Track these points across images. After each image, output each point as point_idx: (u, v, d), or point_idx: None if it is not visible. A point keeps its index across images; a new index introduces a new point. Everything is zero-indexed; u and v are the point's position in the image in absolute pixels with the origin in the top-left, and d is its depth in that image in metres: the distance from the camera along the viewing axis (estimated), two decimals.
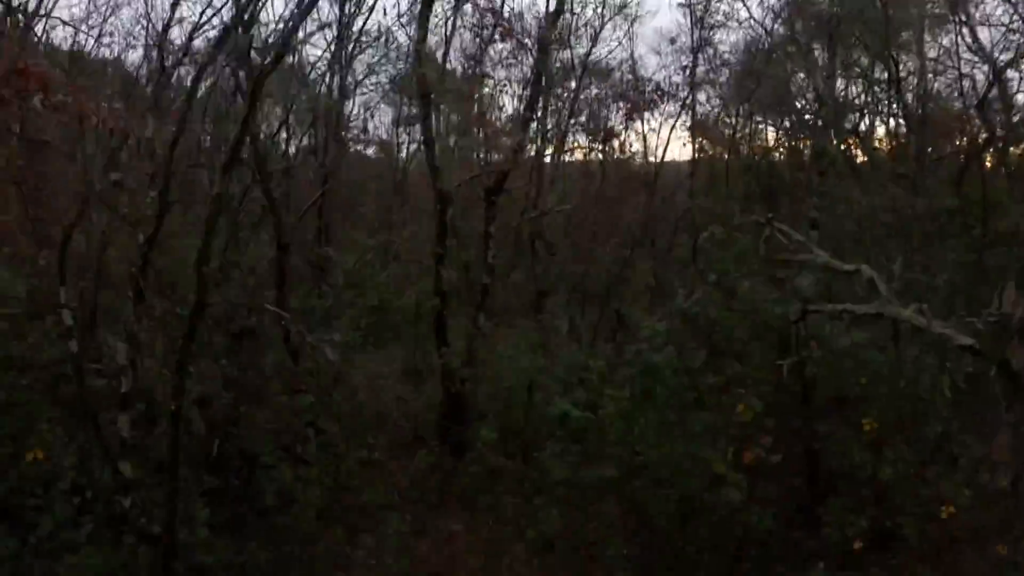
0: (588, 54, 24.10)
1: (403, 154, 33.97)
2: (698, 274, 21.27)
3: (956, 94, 23.51)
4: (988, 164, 22.38)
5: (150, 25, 19.08)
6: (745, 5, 23.98)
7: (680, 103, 24.93)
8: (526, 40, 24.34)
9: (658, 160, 26.68)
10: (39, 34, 19.51)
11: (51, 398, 12.97)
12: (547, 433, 14.50)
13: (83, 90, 12.43)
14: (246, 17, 11.98)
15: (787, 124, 27.12)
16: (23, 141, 12.72)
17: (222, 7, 15.61)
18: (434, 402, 18.31)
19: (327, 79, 24.21)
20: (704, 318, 13.41)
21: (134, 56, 22.97)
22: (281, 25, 12.78)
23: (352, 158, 30.90)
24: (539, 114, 21.73)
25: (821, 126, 19.74)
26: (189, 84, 12.36)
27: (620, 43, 25.22)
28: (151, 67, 18.47)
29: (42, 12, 18.51)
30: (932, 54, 23.38)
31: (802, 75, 25.26)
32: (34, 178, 13.49)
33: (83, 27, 19.63)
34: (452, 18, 24.30)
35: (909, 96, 22.68)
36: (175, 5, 16.37)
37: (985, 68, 20.48)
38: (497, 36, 21.59)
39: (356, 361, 17.95)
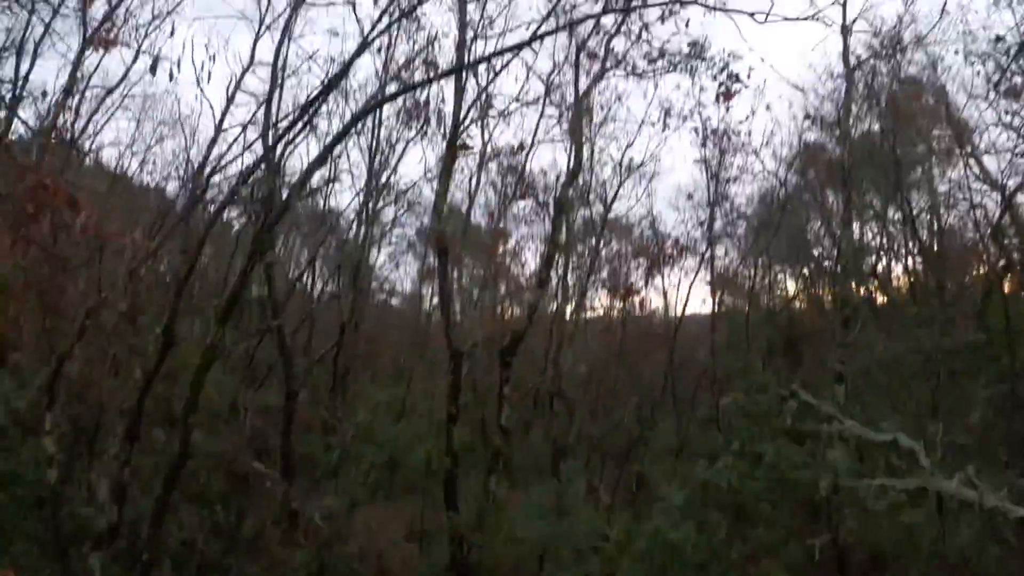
0: (607, 211, 24.07)
1: (426, 306, 33.89)
2: (722, 439, 20.17)
3: (970, 224, 23.29)
4: (1007, 290, 21.59)
5: (188, 160, 19.56)
6: (758, 158, 23.88)
7: (699, 257, 24.55)
8: (547, 200, 24.61)
9: (678, 316, 25.97)
10: (86, 152, 20.14)
11: (35, 515, 11.87)
12: None
13: (110, 212, 12.26)
14: (273, 159, 11.78)
15: (805, 272, 26.63)
16: (47, 255, 12.28)
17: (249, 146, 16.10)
18: (440, 567, 16.76)
19: (354, 228, 24.30)
20: (728, 486, 12.16)
21: (173, 186, 23.38)
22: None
23: (376, 308, 30.63)
24: (559, 271, 21.39)
25: (841, 272, 19.06)
26: (204, 225, 11.85)
27: (639, 200, 25.21)
28: (184, 201, 18.59)
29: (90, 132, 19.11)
30: (943, 188, 23.46)
31: (818, 223, 25.24)
32: (54, 292, 12.92)
33: (127, 152, 19.97)
34: (477, 175, 24.81)
35: (924, 232, 22.46)
36: (212, 144, 16.80)
37: (995, 196, 20.28)
38: (517, 194, 21.61)
39: (361, 516, 16.68)
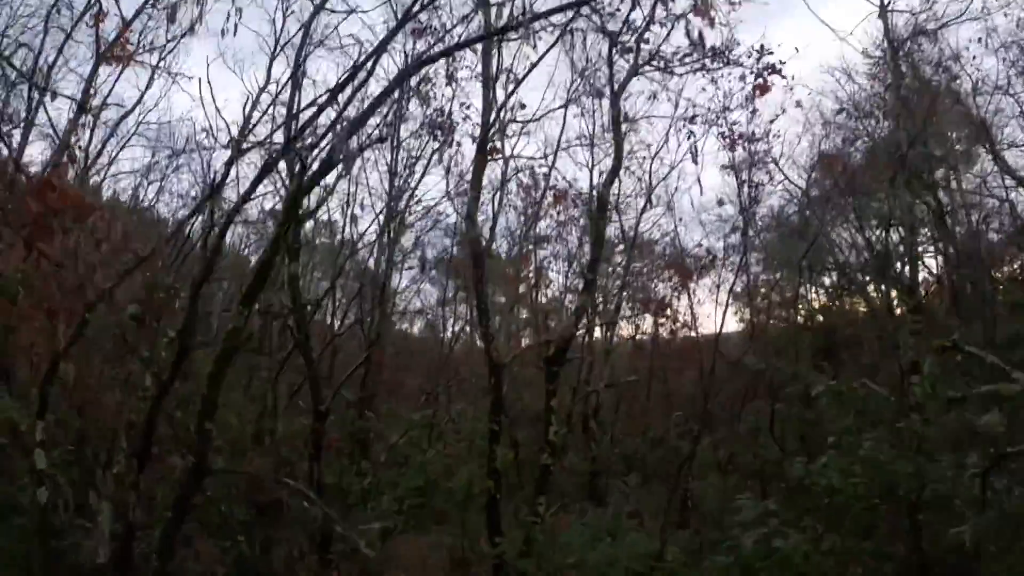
0: (638, 223, 22.42)
1: (448, 333, 32.11)
2: (777, 447, 18.23)
3: (998, 222, 21.92)
4: None
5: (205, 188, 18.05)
6: (778, 167, 22.26)
7: (732, 267, 22.80)
8: (574, 208, 23.00)
9: (717, 327, 24.14)
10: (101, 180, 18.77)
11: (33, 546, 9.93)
12: None
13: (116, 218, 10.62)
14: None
15: (827, 281, 25.01)
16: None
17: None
18: None
19: (375, 251, 22.69)
20: (826, 487, 10.33)
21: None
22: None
23: (397, 336, 28.80)
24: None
25: (906, 248, 17.37)
26: (217, 231, 10.14)
27: (668, 208, 23.43)
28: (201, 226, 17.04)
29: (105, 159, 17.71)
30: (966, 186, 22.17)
31: (848, 229, 23.77)
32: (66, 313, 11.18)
33: (143, 181, 18.47)
34: (500, 191, 23.26)
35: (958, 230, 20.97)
36: (227, 168, 15.22)
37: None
38: (550, 199, 19.96)
39: (397, 548, 14.68)
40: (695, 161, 17.75)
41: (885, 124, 22.55)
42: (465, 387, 22.57)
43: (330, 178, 20.54)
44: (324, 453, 15.08)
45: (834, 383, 11.21)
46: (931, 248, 23.49)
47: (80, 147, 17.15)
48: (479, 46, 17.91)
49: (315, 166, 8.61)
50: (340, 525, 9.38)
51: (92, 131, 17.96)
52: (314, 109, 9.94)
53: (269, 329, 19.30)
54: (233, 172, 13.81)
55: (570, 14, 15.38)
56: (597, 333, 24.64)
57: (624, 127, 18.08)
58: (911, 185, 19.77)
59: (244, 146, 16.52)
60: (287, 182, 17.11)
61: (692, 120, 21.78)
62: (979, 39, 18.74)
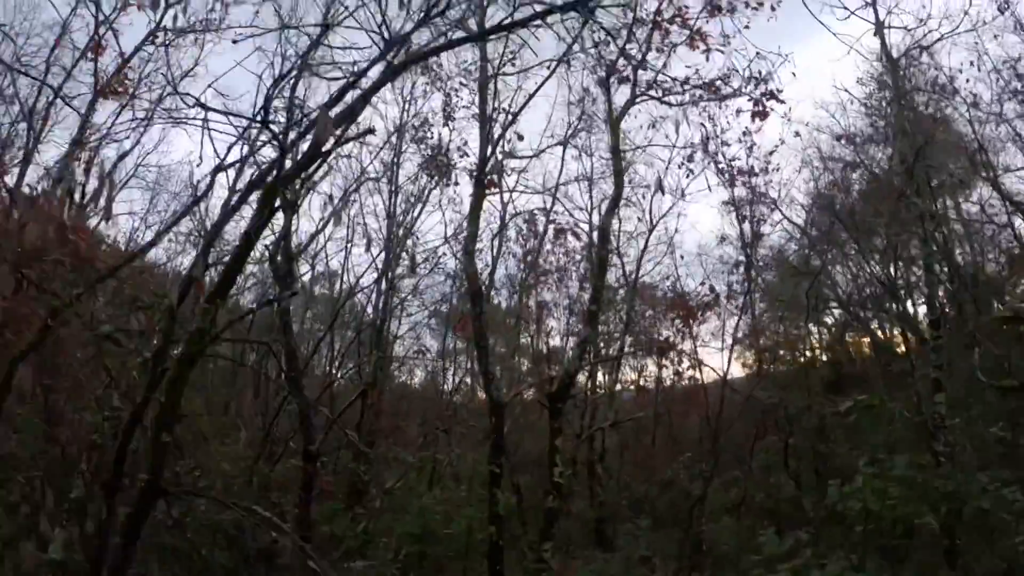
0: (639, 266, 21.59)
1: (448, 385, 30.86)
2: (793, 483, 16.96)
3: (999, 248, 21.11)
4: None
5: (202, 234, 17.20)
6: (777, 207, 21.54)
7: (736, 307, 21.80)
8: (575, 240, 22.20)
9: (724, 363, 22.94)
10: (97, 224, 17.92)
11: None
12: None
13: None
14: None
15: (829, 320, 24.09)
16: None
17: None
18: None
19: (372, 297, 21.79)
20: (859, 512, 9.23)
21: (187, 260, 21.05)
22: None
23: (397, 387, 27.57)
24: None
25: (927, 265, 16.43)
26: (201, 248, 9.28)
27: (669, 247, 22.57)
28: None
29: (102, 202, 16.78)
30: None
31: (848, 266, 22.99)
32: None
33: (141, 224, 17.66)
34: (499, 236, 22.52)
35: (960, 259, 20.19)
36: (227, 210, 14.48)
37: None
38: (551, 233, 19.16)
39: None
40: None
41: (883, 156, 22.11)
42: (465, 433, 21.35)
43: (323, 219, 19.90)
44: (316, 497, 13.86)
45: (863, 398, 10.18)
46: (936, 276, 22.68)
47: (78, 182, 16.39)
48: (475, 82, 17.54)
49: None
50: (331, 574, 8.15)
51: (88, 168, 17.22)
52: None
53: (263, 372, 18.25)
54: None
55: (564, 47, 15.07)
56: (600, 377, 23.59)
57: (625, 157, 17.40)
58: (914, 207, 19.16)
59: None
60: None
61: (690, 159, 21.44)
62: (971, 62, 18.37)
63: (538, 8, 9.39)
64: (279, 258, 14.39)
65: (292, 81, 10.20)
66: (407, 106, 22.55)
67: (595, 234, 16.86)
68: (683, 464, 18.50)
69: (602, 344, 22.87)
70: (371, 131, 9.83)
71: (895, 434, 10.97)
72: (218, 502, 9.74)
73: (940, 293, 23.07)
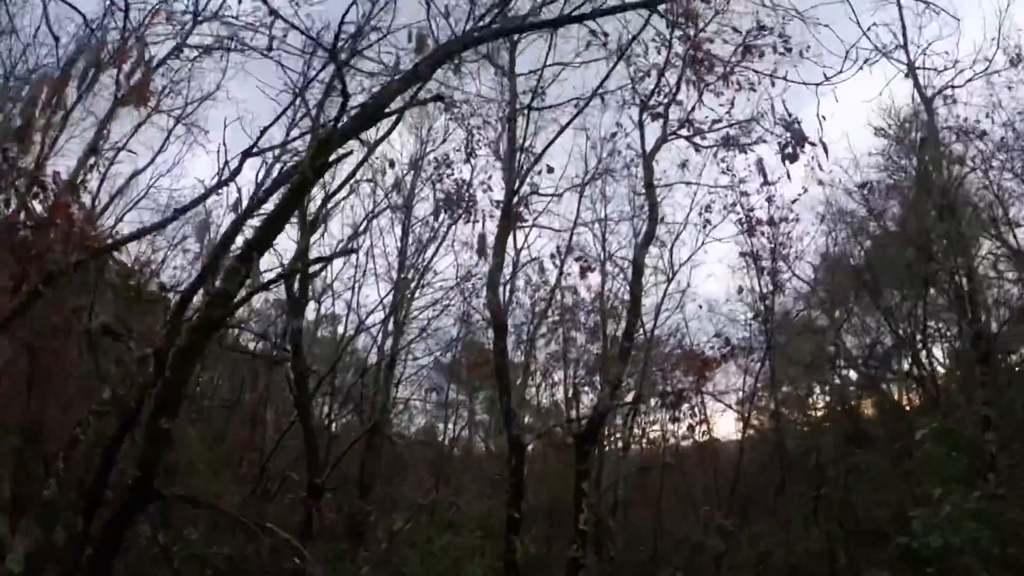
0: (656, 318, 20.32)
1: (446, 437, 29.12)
2: (824, 535, 15.21)
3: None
4: None
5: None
6: (788, 267, 20.46)
7: (752, 359, 20.45)
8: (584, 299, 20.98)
9: (742, 414, 21.27)
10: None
11: None
12: None
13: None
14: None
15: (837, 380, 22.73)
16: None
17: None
18: None
19: (379, 337, 20.31)
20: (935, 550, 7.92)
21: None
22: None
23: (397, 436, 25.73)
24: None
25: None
26: (220, 239, 8.00)
27: (681, 300, 21.36)
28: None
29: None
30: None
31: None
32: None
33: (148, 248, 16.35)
34: (511, 280, 21.28)
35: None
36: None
37: None
38: (575, 270, 17.89)
39: None
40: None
41: (897, 211, 21.22)
42: (469, 482, 19.60)
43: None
44: (317, 536, 12.12)
45: (938, 424, 8.89)
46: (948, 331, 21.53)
47: (88, 190, 15.09)
48: (502, 116, 16.70)
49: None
50: None
51: (102, 180, 15.94)
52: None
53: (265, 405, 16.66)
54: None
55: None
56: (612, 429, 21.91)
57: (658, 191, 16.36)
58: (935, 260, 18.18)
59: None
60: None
61: (708, 208, 20.50)
62: (986, 114, 17.76)
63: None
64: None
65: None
66: (424, 147, 21.87)
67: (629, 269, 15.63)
68: (703, 518, 16.79)
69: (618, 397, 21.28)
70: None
71: (950, 469, 9.61)
72: (220, 511, 8.08)
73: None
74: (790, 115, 14.97)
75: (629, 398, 20.24)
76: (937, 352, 22.73)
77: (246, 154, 8.48)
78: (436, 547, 13.13)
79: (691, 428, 20.83)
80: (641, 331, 20.63)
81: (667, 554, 17.62)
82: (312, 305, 24.75)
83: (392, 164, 17.55)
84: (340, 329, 24.49)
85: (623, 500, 20.34)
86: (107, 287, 8.30)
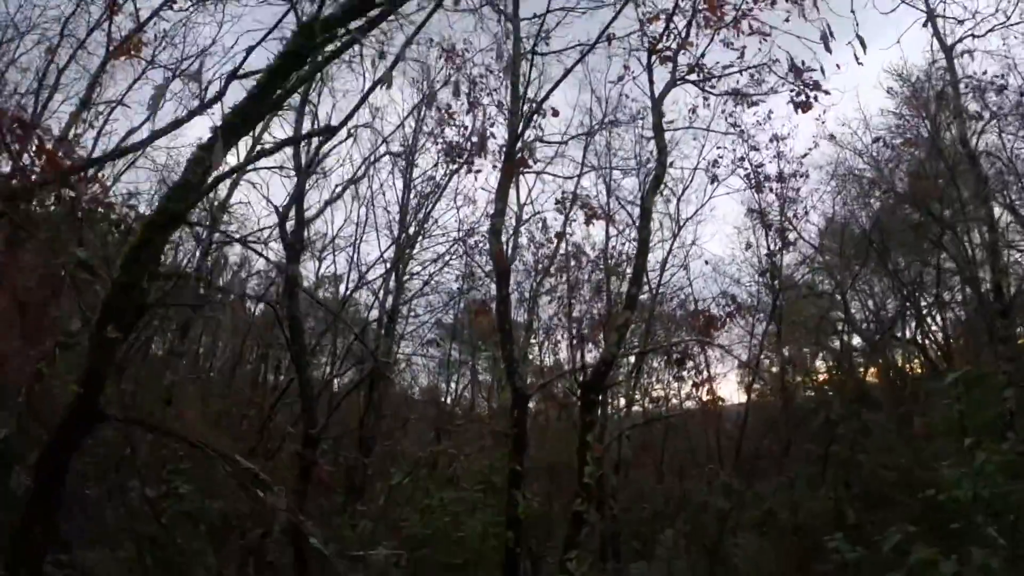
0: (661, 274, 19.46)
1: (448, 399, 28.54)
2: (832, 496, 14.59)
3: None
4: None
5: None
6: (794, 227, 19.57)
7: (757, 318, 19.66)
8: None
9: (749, 370, 20.54)
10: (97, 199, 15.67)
11: None
12: None
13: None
14: None
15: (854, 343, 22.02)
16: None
17: None
18: None
19: (380, 292, 19.53)
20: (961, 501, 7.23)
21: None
22: None
23: (398, 394, 25.06)
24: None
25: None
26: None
27: (686, 258, 20.52)
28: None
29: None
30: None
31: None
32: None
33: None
34: (512, 241, 20.43)
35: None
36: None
37: None
38: (581, 217, 17.00)
39: None
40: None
41: (904, 177, 20.32)
42: (471, 439, 18.94)
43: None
44: (313, 490, 11.48)
45: (971, 369, 8.19)
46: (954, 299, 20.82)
47: (82, 145, 14.21)
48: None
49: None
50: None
51: (97, 137, 15.05)
52: None
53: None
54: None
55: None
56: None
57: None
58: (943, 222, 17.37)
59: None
60: None
61: (715, 163, 19.61)
62: (1001, 76, 16.80)
63: None
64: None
65: None
66: (425, 100, 20.85)
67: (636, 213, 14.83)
68: (707, 476, 16.19)
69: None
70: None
71: (978, 419, 8.94)
72: (175, 436, 7.33)
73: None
74: (803, 63, 14.24)
75: (633, 356, 19.60)
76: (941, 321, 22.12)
77: (231, 77, 7.57)
78: (435, 502, 12.51)
79: (695, 386, 20.15)
80: (647, 287, 19.96)
81: (670, 512, 17.07)
82: (312, 266, 24.10)
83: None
84: (342, 289, 23.80)
85: (626, 459, 19.74)
86: (83, 220, 7.47)
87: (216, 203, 17.14)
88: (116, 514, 9.77)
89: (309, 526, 5.81)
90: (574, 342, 15.70)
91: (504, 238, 19.26)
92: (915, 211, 18.26)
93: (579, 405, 11.98)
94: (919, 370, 22.85)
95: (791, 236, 20.13)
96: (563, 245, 19.66)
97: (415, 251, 20.12)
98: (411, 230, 20.76)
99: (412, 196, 20.52)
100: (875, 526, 12.53)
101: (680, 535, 15.79)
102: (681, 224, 19.44)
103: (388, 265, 19.70)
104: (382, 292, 19.88)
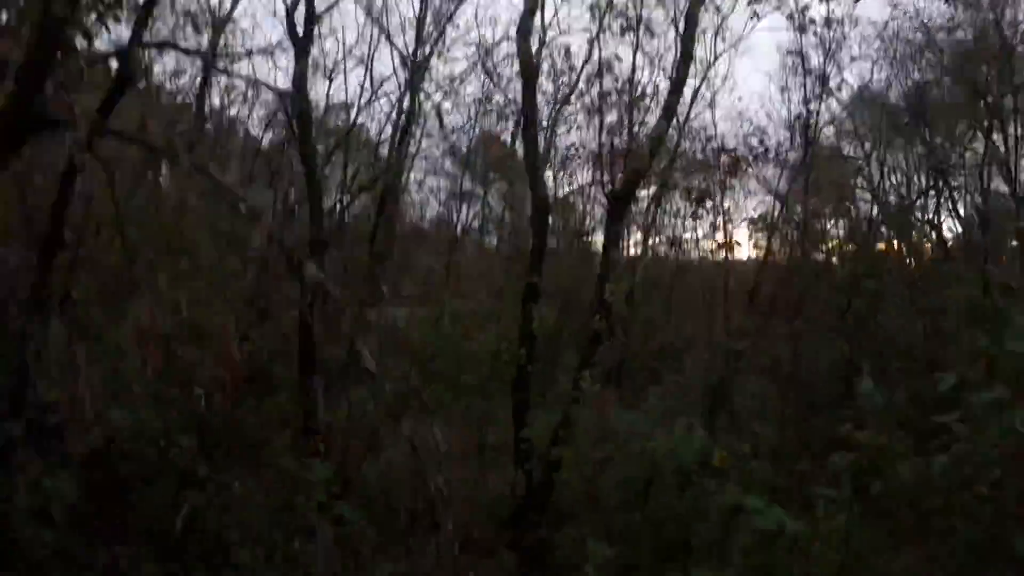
0: (690, 108, 17.61)
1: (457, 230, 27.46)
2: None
3: None
4: None
5: None
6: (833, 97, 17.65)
7: (796, 160, 18.16)
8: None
9: (773, 213, 19.44)
10: None
11: None
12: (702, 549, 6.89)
13: None
14: None
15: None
16: None
17: None
18: (507, 492, 10.81)
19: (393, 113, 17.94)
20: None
21: None
22: None
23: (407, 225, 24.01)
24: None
25: None
26: None
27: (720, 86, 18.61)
28: None
29: None
30: None
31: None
32: None
33: None
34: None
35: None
36: None
37: None
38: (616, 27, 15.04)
39: (405, 425, 10.48)
40: None
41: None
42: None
43: None
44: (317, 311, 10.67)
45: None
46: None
47: None
48: None
49: None
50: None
51: None
52: None
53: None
54: None
55: None
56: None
57: None
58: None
59: None
60: None
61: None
62: None
63: None
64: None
65: None
66: None
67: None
68: (719, 318, 15.61)
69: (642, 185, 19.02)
70: None
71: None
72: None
73: None
74: None
75: (652, 189, 18.32)
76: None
77: None
78: (451, 310, 11.83)
79: (713, 228, 19.16)
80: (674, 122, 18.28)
81: (679, 348, 16.68)
82: (321, 89, 22.04)
83: None
84: (352, 114, 22.01)
85: (639, 296, 19.10)
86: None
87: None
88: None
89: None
90: (603, 153, 14.32)
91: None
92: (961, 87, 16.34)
93: (607, 217, 10.97)
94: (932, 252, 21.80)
95: (833, 83, 18.17)
96: (595, 52, 17.55)
97: (432, 58, 18.24)
98: (427, 48, 18.81)
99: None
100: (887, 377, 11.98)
101: (689, 370, 15.42)
102: (716, 56, 17.33)
103: (402, 85, 17.99)
104: (395, 112, 18.34)
